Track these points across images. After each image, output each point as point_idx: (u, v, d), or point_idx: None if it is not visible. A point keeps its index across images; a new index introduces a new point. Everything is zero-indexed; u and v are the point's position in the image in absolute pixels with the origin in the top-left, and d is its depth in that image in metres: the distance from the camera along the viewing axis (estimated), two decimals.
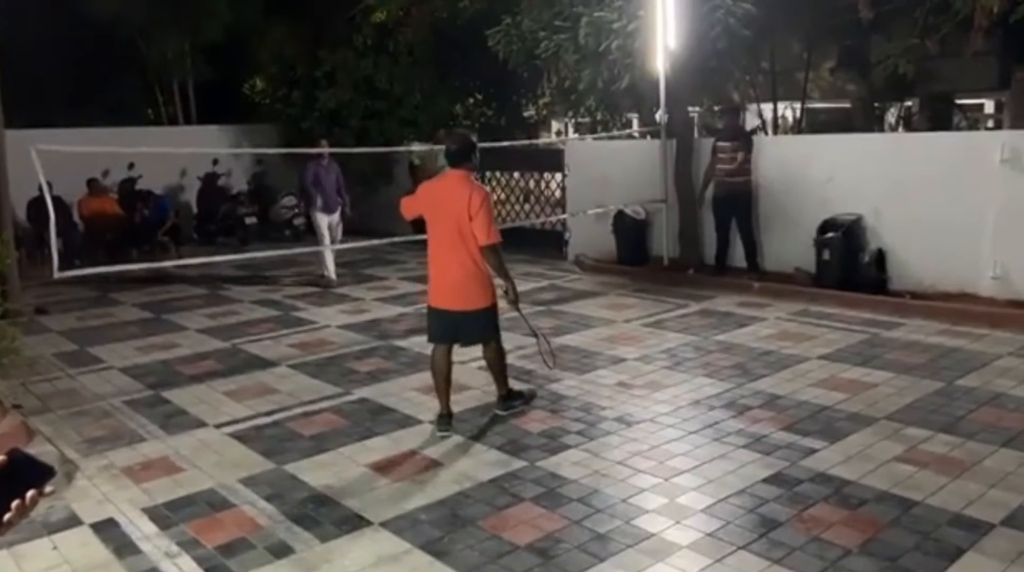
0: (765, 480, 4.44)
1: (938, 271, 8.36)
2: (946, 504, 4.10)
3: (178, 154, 13.49)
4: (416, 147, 12.88)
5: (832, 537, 3.82)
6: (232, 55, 16.35)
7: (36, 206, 10.87)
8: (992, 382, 5.90)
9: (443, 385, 5.41)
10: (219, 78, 17.07)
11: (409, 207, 5.58)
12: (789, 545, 3.75)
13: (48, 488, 1.43)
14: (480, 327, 5.42)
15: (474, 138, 5.57)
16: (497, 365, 5.62)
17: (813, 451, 4.81)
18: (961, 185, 8.15)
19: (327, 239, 10.71)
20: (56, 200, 8.01)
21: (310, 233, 14.52)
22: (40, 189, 6.83)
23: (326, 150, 10.77)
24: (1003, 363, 6.36)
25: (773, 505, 4.15)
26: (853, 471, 4.51)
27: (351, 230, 11.33)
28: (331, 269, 10.73)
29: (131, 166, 13.73)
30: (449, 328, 5.38)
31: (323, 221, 10.68)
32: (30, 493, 1.38)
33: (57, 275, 6.60)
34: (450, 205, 5.20)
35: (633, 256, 10.69)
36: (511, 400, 5.69)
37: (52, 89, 16.52)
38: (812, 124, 16.17)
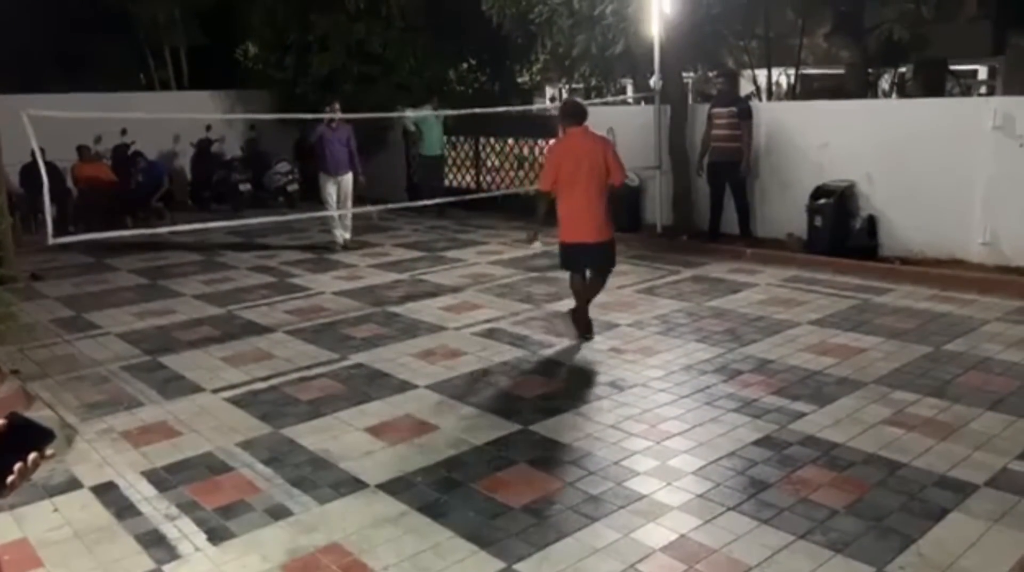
0: (755, 443, 4.52)
1: (928, 237, 8.42)
2: (932, 466, 4.18)
3: (171, 120, 13.45)
4: (411, 113, 12.86)
5: (820, 498, 3.90)
6: (224, 19, 16.21)
7: (29, 172, 10.84)
8: (979, 347, 5.98)
9: (579, 296, 6.50)
10: (211, 43, 16.94)
11: (552, 174, 6.31)
12: (778, 506, 3.83)
13: (48, 451, 1.46)
14: (611, 254, 6.50)
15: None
16: (598, 290, 6.63)
17: (802, 414, 4.89)
18: (953, 152, 8.18)
19: (330, 203, 10.60)
20: (49, 166, 8.02)
21: (304, 199, 14.58)
22: (33, 155, 6.82)
23: (336, 115, 10.61)
24: (990, 328, 6.44)
25: (763, 467, 4.24)
26: (841, 434, 4.59)
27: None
28: (337, 234, 10.75)
29: (124, 132, 13.67)
30: (586, 258, 6.41)
31: (326, 183, 10.59)
32: (31, 456, 1.41)
33: (52, 241, 6.62)
34: (593, 154, 6.21)
35: (627, 223, 10.68)
36: (574, 316, 6.56)
37: (41, 54, 16.37)
38: (806, 90, 16.13)
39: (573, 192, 6.22)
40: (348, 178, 10.65)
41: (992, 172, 7.96)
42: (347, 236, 10.90)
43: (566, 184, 6.23)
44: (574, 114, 6.36)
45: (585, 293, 6.54)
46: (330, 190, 10.60)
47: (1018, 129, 7.65)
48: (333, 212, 10.62)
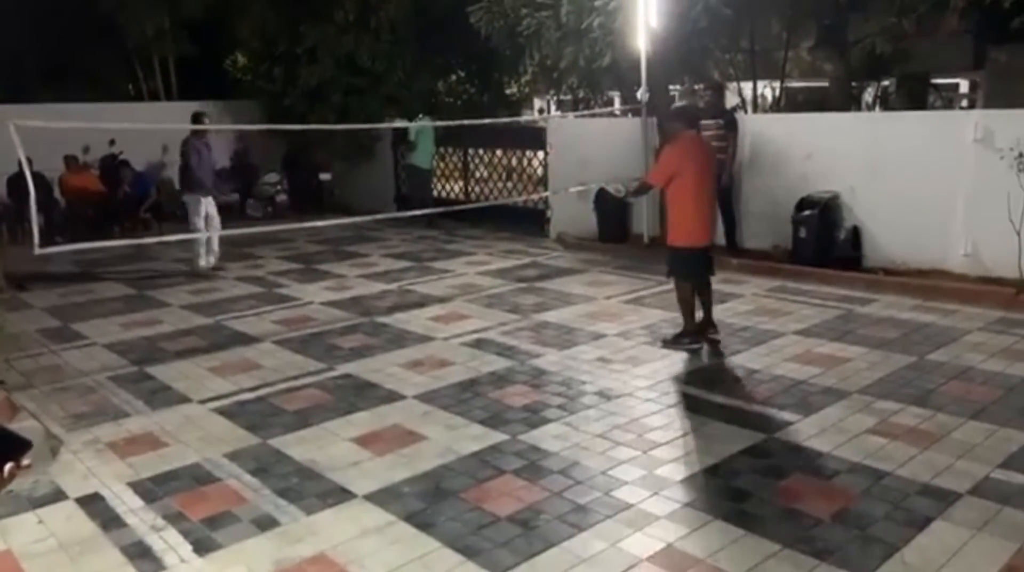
0: (741, 452, 4.55)
1: (911, 248, 8.50)
2: (916, 475, 4.22)
3: (159, 130, 13.41)
4: (414, 124, 12.89)
5: (805, 507, 3.92)
6: (213, 30, 16.20)
7: (16, 182, 10.80)
8: (961, 356, 6.03)
9: (693, 309, 6.41)
10: (200, 54, 16.92)
11: (668, 174, 6.25)
12: (763, 515, 3.86)
13: (25, 461, 1.46)
14: (711, 258, 6.56)
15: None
16: (712, 296, 6.63)
17: (788, 424, 4.93)
18: (935, 164, 8.28)
19: (200, 223, 9.84)
20: (37, 176, 7.97)
21: (292, 210, 14.58)
22: (20, 165, 6.80)
23: (209, 127, 10.10)
24: (972, 338, 6.50)
25: (748, 476, 4.26)
26: (826, 443, 4.63)
27: (337, 207, 11.25)
28: (203, 255, 9.95)
29: (112, 142, 13.64)
30: (703, 263, 6.43)
31: (198, 204, 9.86)
32: (8, 466, 1.42)
33: (38, 251, 6.59)
34: (706, 157, 6.36)
35: (614, 233, 10.77)
36: (682, 337, 6.47)
37: (29, 64, 16.34)
38: (791, 103, 16.24)
39: (700, 195, 6.26)
40: (211, 199, 10.01)
41: (973, 184, 8.05)
42: (213, 261, 10.12)
43: (693, 187, 6.21)
44: (692, 118, 6.45)
45: (704, 305, 6.53)
46: (200, 211, 9.84)
47: (998, 142, 7.73)
48: (200, 233, 9.79)
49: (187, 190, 10.00)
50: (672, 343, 6.47)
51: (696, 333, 6.44)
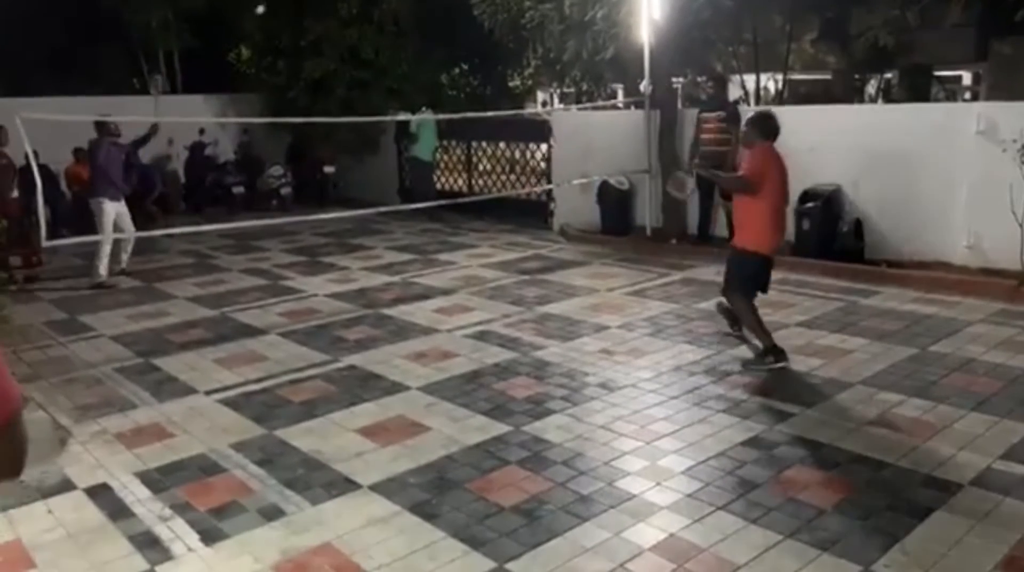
0: (743, 443, 4.58)
1: (914, 240, 8.52)
2: (917, 466, 4.25)
3: (165, 123, 13.44)
4: (415, 116, 12.90)
5: (807, 498, 3.95)
6: (217, 24, 16.23)
7: (23, 175, 10.82)
8: (963, 348, 6.05)
9: (762, 322, 5.94)
10: (204, 47, 16.94)
11: (763, 172, 5.82)
12: (765, 505, 3.89)
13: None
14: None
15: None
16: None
17: (790, 415, 4.95)
18: (937, 156, 8.29)
19: (108, 229, 9.03)
20: (43, 169, 8.02)
21: (296, 202, 14.61)
22: (26, 158, 6.84)
23: (110, 119, 9.30)
24: (974, 330, 6.52)
25: (751, 467, 4.29)
26: (828, 434, 4.66)
27: (341, 200, 11.25)
28: (105, 266, 9.14)
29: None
30: (767, 274, 6.05)
31: (110, 208, 9.09)
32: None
33: (45, 244, 6.63)
34: (785, 167, 5.99)
35: (617, 226, 10.78)
36: (764, 356, 5.90)
37: (35, 58, 16.37)
38: (793, 95, 16.25)
39: (783, 203, 5.96)
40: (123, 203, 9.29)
41: (976, 176, 8.05)
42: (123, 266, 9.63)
43: (778, 193, 5.89)
44: (775, 131, 6.01)
45: (731, 312, 6.29)
46: (110, 216, 9.11)
47: (1001, 134, 7.73)
48: (108, 238, 9.01)
49: (100, 195, 9.13)
50: (754, 365, 5.86)
51: (776, 349, 5.84)
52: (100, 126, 9.28)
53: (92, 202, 9.18)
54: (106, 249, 9.08)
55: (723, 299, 6.43)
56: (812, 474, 4.21)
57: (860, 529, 3.67)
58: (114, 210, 9.13)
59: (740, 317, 6.15)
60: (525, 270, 9.30)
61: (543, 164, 12.66)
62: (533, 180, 13.10)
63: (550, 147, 12.13)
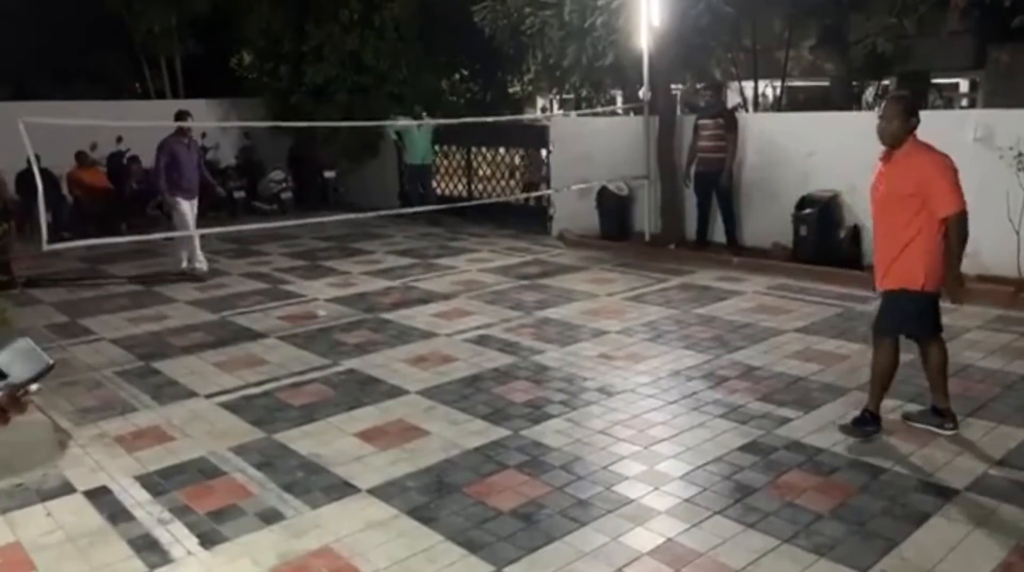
0: (741, 448, 4.60)
1: None
2: (914, 471, 4.27)
3: (166, 128, 13.49)
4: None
5: (804, 502, 3.97)
6: (219, 29, 16.26)
7: (25, 179, 10.85)
8: (960, 354, 6.05)
9: (888, 384, 4.80)
10: (206, 52, 16.97)
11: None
12: (763, 510, 3.90)
13: (34, 387, 1.47)
14: (903, 310, 4.93)
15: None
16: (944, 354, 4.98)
17: (788, 420, 4.97)
18: None
19: (191, 225, 9.53)
20: (45, 173, 8.04)
21: (296, 206, 14.63)
22: (28, 162, 6.86)
23: (190, 123, 9.78)
24: (971, 336, 6.54)
25: (748, 472, 4.31)
26: (825, 439, 4.67)
27: (341, 204, 11.25)
28: (201, 258, 9.68)
29: (119, 139, 13.71)
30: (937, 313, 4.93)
31: (185, 207, 9.57)
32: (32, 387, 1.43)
33: (46, 248, 6.65)
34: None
35: (616, 231, 10.81)
36: (865, 423, 4.75)
37: (37, 63, 16.41)
38: (792, 102, 16.30)
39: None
40: (196, 201, 9.73)
41: (973, 183, 8.01)
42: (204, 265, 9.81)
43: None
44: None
45: (933, 370, 4.85)
46: (188, 214, 9.58)
47: (998, 141, 7.75)
48: (194, 234, 9.45)
49: (169, 192, 9.58)
50: (853, 430, 4.71)
51: (879, 418, 4.77)
52: (179, 125, 9.63)
53: (168, 200, 9.61)
54: (195, 241, 9.55)
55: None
56: (809, 479, 4.22)
57: (857, 534, 3.68)
58: (187, 206, 9.56)
59: (876, 367, 4.83)
60: (524, 275, 9.32)
61: (543, 170, 12.69)
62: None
63: (549, 153, 12.15)
